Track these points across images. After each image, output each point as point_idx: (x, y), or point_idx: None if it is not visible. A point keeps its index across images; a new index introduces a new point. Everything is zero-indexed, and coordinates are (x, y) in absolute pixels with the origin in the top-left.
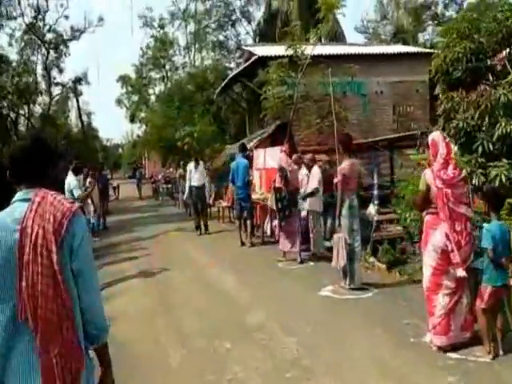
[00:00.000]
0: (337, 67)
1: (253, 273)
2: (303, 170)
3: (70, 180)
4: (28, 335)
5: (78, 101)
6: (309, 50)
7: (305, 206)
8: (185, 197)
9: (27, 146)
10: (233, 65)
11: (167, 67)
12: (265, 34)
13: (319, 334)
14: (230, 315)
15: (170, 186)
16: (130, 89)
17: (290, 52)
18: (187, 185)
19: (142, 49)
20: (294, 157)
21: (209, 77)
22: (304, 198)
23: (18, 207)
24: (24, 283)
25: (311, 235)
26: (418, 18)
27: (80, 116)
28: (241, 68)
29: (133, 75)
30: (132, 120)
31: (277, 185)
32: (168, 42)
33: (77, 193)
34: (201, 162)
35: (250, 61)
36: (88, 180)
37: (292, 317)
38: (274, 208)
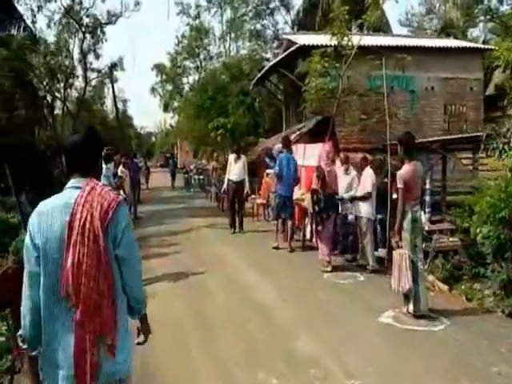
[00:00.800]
0: (385, 59)
1: (295, 285)
2: (352, 172)
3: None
4: (68, 309)
5: (113, 87)
6: (355, 39)
7: (353, 211)
8: (221, 190)
9: (80, 141)
10: (270, 55)
11: (202, 57)
12: (304, 24)
13: (385, 378)
14: (274, 339)
15: (202, 177)
16: (164, 77)
17: (335, 41)
18: (226, 177)
19: (177, 37)
20: (341, 156)
21: (244, 67)
22: (352, 201)
23: (69, 193)
24: (70, 262)
25: (360, 244)
26: (468, 13)
27: (115, 103)
28: (280, 57)
29: (167, 64)
30: (166, 109)
31: (313, 186)
32: (203, 30)
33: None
34: (242, 156)
35: (290, 50)
36: (120, 168)
37: (349, 349)
38: (310, 211)
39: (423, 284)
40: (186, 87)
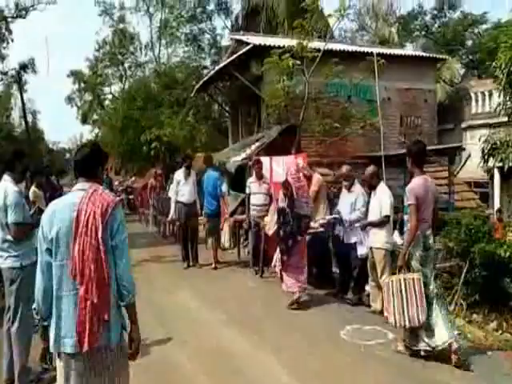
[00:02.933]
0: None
1: (306, 353)
2: (356, 189)
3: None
4: (74, 287)
5: (22, 94)
6: (316, 44)
7: (363, 240)
8: (169, 216)
9: (86, 154)
10: (208, 63)
11: (126, 65)
12: (245, 29)
13: None
14: None
15: (131, 197)
16: (82, 86)
17: (294, 44)
18: (172, 199)
19: (97, 42)
20: (345, 169)
21: (178, 75)
22: (364, 228)
23: (76, 194)
24: (76, 249)
25: (372, 283)
26: (406, 28)
27: (24, 112)
28: (230, 59)
29: (86, 71)
30: (84, 121)
31: (280, 204)
32: (128, 36)
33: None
34: (193, 172)
35: (243, 51)
36: (32, 189)
37: None
38: (269, 234)
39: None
40: (109, 97)
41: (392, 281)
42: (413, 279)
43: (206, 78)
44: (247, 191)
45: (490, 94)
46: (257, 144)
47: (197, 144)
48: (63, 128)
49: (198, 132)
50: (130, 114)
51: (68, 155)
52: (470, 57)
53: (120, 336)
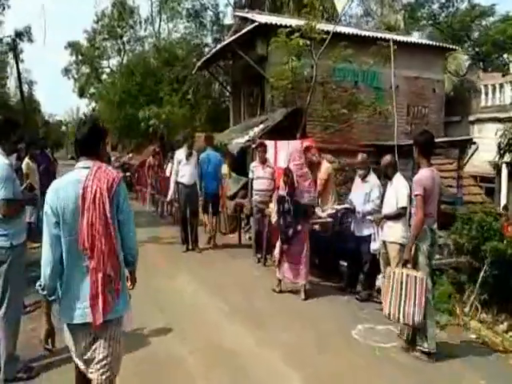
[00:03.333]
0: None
1: (321, 358)
2: (372, 179)
3: None
4: (85, 260)
5: (17, 63)
6: (323, 26)
7: (376, 233)
8: (169, 197)
9: (87, 132)
10: (209, 40)
11: (125, 39)
12: (249, 7)
13: None
14: None
15: (128, 174)
16: (80, 58)
17: (303, 24)
18: (172, 180)
19: (96, 14)
20: (360, 157)
21: (178, 52)
22: (379, 222)
23: (80, 172)
24: (85, 223)
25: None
26: (413, 16)
27: (20, 82)
28: (234, 37)
29: (84, 43)
30: (81, 94)
31: (280, 192)
32: (128, 9)
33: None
34: (195, 152)
35: (248, 28)
36: (26, 162)
37: None
38: (274, 223)
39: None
40: (106, 71)
41: (395, 272)
42: (415, 277)
43: (208, 56)
44: (250, 175)
45: (501, 88)
46: (261, 126)
47: (196, 123)
48: (59, 100)
49: (197, 111)
50: (128, 89)
51: (64, 128)
52: (476, 49)
53: (126, 305)
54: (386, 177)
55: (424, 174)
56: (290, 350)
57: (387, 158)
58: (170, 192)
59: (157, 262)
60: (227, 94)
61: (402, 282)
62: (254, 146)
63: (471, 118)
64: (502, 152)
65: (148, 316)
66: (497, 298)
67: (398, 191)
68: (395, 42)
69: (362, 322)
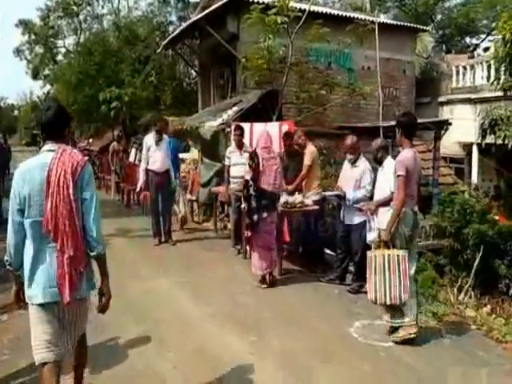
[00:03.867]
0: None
1: (324, 366)
2: (361, 163)
3: None
4: (50, 242)
5: None
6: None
7: (371, 221)
8: (138, 186)
9: (52, 116)
10: (174, 18)
11: (81, 17)
12: None
13: None
14: None
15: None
16: (33, 37)
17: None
18: (142, 167)
19: None
20: (350, 140)
21: (139, 30)
22: (372, 210)
23: (45, 155)
24: (49, 206)
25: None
26: None
27: None
28: (204, 13)
29: (37, 21)
30: (35, 76)
31: (246, 176)
32: None
33: None
34: (165, 136)
35: (218, 5)
36: None
37: None
38: (242, 209)
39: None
40: (62, 51)
41: (375, 255)
42: (397, 256)
43: (174, 34)
44: (226, 162)
45: (472, 69)
46: (234, 109)
47: (161, 106)
48: (11, 83)
49: (162, 94)
50: (86, 70)
51: (16, 112)
52: (440, 32)
53: (91, 288)
54: (376, 161)
55: (406, 154)
56: (288, 357)
57: (378, 142)
58: (140, 180)
59: (127, 259)
60: (194, 75)
61: (384, 263)
62: (228, 129)
63: (441, 100)
64: (483, 133)
65: (122, 324)
66: (479, 280)
67: (391, 175)
68: (371, 22)
69: (357, 317)
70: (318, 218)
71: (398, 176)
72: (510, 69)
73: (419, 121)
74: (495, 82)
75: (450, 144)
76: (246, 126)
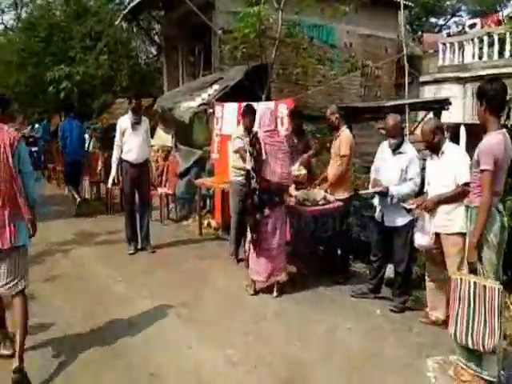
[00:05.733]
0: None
1: None
2: (408, 150)
3: None
4: None
5: None
6: None
7: (430, 226)
8: (110, 181)
9: None
10: None
11: None
12: None
13: None
14: None
15: (35, 150)
16: None
17: None
18: (114, 157)
19: None
20: (392, 121)
21: (89, 3)
22: (431, 208)
23: None
24: None
25: (431, 281)
26: None
27: None
28: None
29: None
30: None
31: (247, 166)
32: None
33: None
34: (145, 119)
35: None
36: None
37: None
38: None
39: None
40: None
41: (461, 279)
42: (485, 287)
43: (134, 3)
44: (240, 143)
45: (461, 47)
46: (215, 87)
47: (116, 88)
48: None
49: (117, 73)
50: (29, 47)
51: None
52: (406, 11)
53: (26, 239)
54: (431, 148)
55: (494, 140)
56: None
57: (432, 122)
58: (112, 173)
59: (98, 276)
60: (153, 52)
61: (468, 294)
62: (210, 110)
63: (423, 79)
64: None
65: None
66: None
67: (457, 163)
68: None
69: (424, 349)
70: (343, 217)
71: (484, 171)
72: None
73: (418, 100)
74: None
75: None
76: (231, 106)
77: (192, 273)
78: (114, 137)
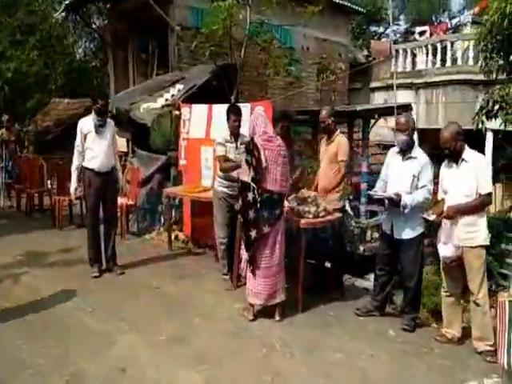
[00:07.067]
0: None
1: None
2: (419, 155)
3: None
4: None
5: None
6: None
7: (452, 238)
8: (72, 191)
9: None
10: None
11: None
12: None
13: None
14: None
15: None
16: None
17: None
18: (75, 165)
19: None
20: (404, 118)
21: None
22: (451, 217)
23: None
24: None
25: (450, 298)
26: None
27: None
28: None
29: None
30: None
31: (242, 177)
32: None
33: None
34: (110, 121)
35: None
36: None
37: None
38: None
39: None
40: None
41: (510, 301)
42: None
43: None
44: (220, 151)
45: (413, 53)
46: (178, 87)
47: (51, 86)
48: None
49: (52, 71)
50: None
51: None
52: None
53: None
54: (447, 156)
55: None
56: None
57: (453, 127)
58: (73, 184)
59: (60, 308)
60: (92, 48)
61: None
62: (176, 112)
63: (372, 85)
64: (486, 117)
65: None
66: None
67: (480, 172)
68: None
69: (456, 373)
70: (339, 228)
71: None
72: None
73: (381, 106)
74: (482, 64)
75: (383, 131)
76: (199, 108)
77: (173, 297)
78: (49, 140)
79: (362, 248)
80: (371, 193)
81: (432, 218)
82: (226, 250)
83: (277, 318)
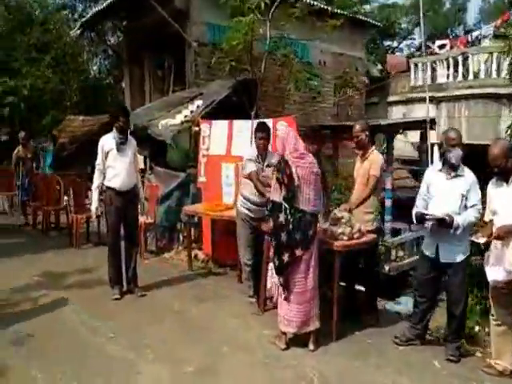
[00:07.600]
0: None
1: None
2: (465, 173)
3: None
4: None
5: None
6: None
7: (503, 262)
8: (93, 209)
9: None
10: None
11: None
12: None
13: None
14: None
15: None
16: None
17: None
18: (96, 184)
19: None
20: (455, 134)
21: (35, 13)
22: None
23: None
24: None
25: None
26: None
27: None
28: None
29: None
30: None
31: (272, 197)
32: None
33: None
34: (132, 139)
35: None
36: None
37: None
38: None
39: None
40: None
41: None
42: None
43: (95, 11)
44: (249, 169)
45: (434, 67)
46: (198, 102)
47: (67, 103)
48: None
49: (67, 88)
50: None
51: None
52: None
53: None
54: (496, 174)
55: None
56: None
57: (502, 143)
58: (94, 204)
59: (81, 333)
60: (107, 65)
61: None
62: (196, 128)
63: (390, 99)
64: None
65: None
66: None
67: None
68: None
69: None
70: (374, 250)
71: None
72: None
73: (405, 120)
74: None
75: (400, 146)
76: (221, 123)
77: (198, 321)
78: (64, 157)
79: (387, 268)
80: (422, 212)
81: (482, 240)
82: (251, 271)
83: (311, 347)
